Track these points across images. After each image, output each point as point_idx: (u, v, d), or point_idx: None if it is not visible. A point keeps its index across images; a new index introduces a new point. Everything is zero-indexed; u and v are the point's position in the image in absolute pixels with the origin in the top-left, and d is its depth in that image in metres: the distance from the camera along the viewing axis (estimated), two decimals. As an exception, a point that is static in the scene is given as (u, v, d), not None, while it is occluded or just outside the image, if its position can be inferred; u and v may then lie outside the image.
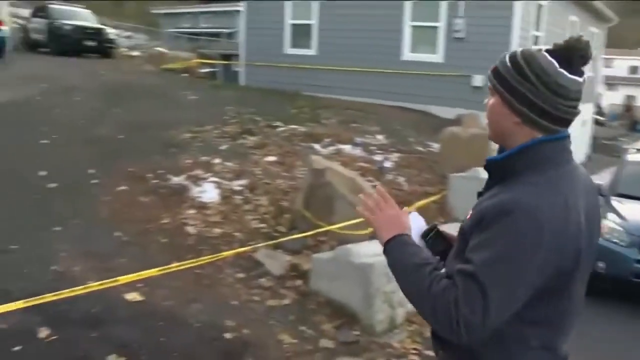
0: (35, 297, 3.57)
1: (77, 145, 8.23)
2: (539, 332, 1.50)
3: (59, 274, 4.73)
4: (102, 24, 20.78)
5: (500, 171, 1.56)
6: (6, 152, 7.60)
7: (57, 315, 4.04)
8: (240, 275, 5.26)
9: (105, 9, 47.61)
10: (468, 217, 1.58)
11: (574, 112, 1.52)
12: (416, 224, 1.76)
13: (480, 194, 1.63)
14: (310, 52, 15.28)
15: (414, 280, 1.50)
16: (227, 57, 25.33)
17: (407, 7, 13.55)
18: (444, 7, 13.03)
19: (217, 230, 6.28)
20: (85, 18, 20.45)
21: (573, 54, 1.48)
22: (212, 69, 23.20)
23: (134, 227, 6.11)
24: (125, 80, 14.17)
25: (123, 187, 6.99)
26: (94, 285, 3.97)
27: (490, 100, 1.60)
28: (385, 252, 1.63)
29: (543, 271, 1.42)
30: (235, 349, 4.00)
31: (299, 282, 4.78)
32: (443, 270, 1.52)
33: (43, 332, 3.82)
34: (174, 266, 4.57)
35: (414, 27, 13.61)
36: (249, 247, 5.57)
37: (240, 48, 17.53)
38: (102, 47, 19.52)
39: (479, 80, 12.16)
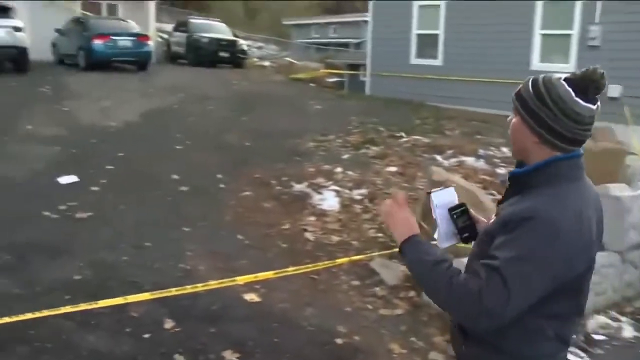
0: (162, 291, 3.86)
1: (208, 151, 8.73)
2: (555, 325, 1.71)
3: (185, 271, 5.05)
4: (235, 36, 21.80)
5: (520, 183, 1.76)
6: (146, 156, 8.24)
7: (181, 309, 4.32)
8: (355, 282, 5.33)
9: (239, 22, 49.91)
10: (491, 222, 1.81)
11: (587, 135, 1.70)
12: (449, 198, 1.93)
13: (499, 203, 1.86)
14: (436, 62, 15.12)
15: (435, 276, 1.68)
16: (354, 67, 25.59)
17: (538, 14, 13.05)
18: (577, 13, 12.42)
19: (335, 238, 6.39)
20: (220, 31, 21.59)
21: (589, 84, 1.64)
22: (339, 79, 23.57)
23: (256, 231, 6.36)
24: (255, 90, 14.81)
25: (248, 192, 7.32)
26: (215, 284, 4.21)
27: (513, 119, 1.77)
28: (401, 252, 1.80)
29: (557, 271, 1.61)
30: (346, 354, 4.07)
31: (412, 293, 4.76)
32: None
33: (168, 324, 4.11)
34: (291, 270, 4.72)
35: (545, 35, 13.05)
36: (365, 255, 5.63)
37: (366, 58, 17.70)
38: (235, 58, 20.53)
39: (615, 90, 11.44)
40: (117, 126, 9.80)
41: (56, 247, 5.32)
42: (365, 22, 38.91)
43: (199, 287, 4.18)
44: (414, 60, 15.71)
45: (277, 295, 4.82)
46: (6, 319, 3.60)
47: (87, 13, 20.77)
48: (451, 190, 1.96)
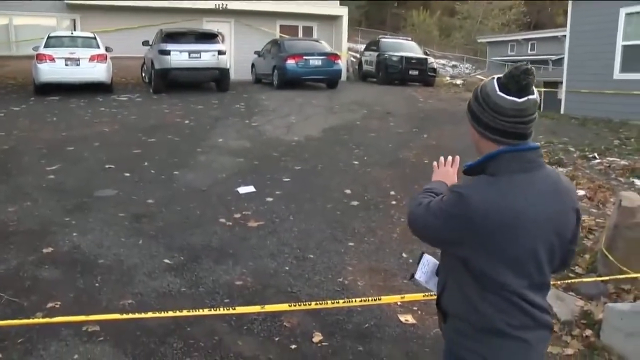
0: (315, 302, 3.80)
1: (382, 167, 8.65)
2: (514, 299, 1.85)
3: (342, 286, 4.96)
4: (426, 54, 21.66)
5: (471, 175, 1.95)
6: (323, 170, 8.39)
7: (333, 324, 4.23)
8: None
9: (434, 41, 49.80)
10: None
11: (522, 127, 1.83)
12: (432, 264, 2.26)
13: None
14: (645, 76, 13.58)
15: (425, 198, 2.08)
16: (551, 84, 24.13)
17: None
18: None
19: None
20: (411, 49, 21.59)
21: (510, 80, 1.82)
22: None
23: (420, 250, 6.10)
24: (440, 107, 14.51)
25: (418, 210, 7.07)
26: (369, 301, 4.06)
27: None
28: (428, 186, 2.21)
29: (450, 236, 1.89)
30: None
31: (588, 332, 4.18)
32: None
33: (317, 337, 4.03)
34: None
35: None
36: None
37: (563, 74, 16.49)
38: (425, 76, 20.37)
39: None
40: (299, 140, 10.14)
41: (225, 252, 5.56)
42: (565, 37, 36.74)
43: (355, 302, 4.08)
44: (618, 74, 14.25)
45: (434, 319, 4.53)
46: (170, 314, 3.82)
47: (284, 35, 22.04)
48: (428, 257, 2.27)
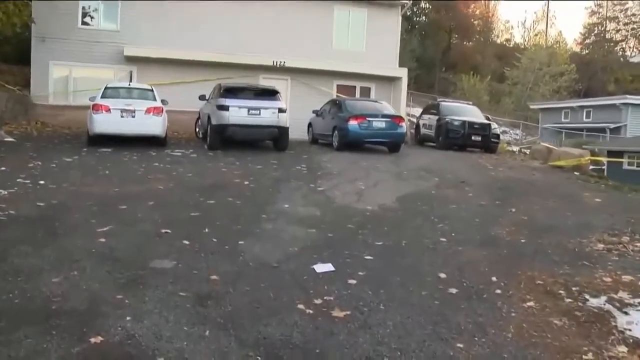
0: None
1: (475, 246, 7.55)
2: None
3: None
4: (487, 119, 20.72)
5: None
6: (408, 248, 7.33)
7: None
8: None
9: (484, 105, 48.93)
10: None
11: None
12: None
13: None
14: None
15: None
16: (614, 153, 22.92)
17: None
18: None
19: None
20: (472, 114, 20.70)
21: None
22: (596, 167, 21.14)
23: (548, 356, 4.94)
24: (514, 177, 13.42)
25: (531, 303, 5.91)
26: None
27: None
28: None
29: None
30: None
31: None
32: None
33: None
34: None
35: None
36: None
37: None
38: (488, 142, 19.36)
39: None
40: (374, 210, 9.12)
41: (310, 352, 4.49)
42: (626, 104, 35.54)
43: None
44: None
45: None
46: None
47: (341, 95, 21.42)
48: None
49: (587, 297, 6.10)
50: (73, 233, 7.15)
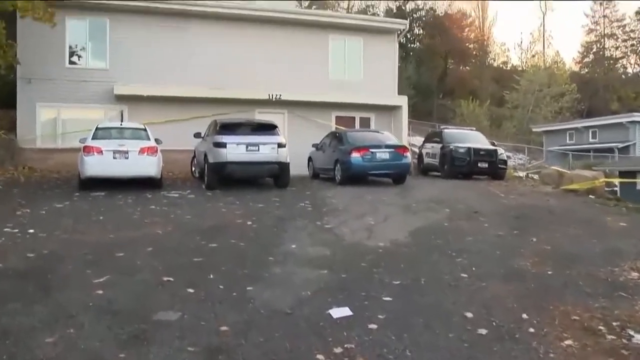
0: None
1: (499, 281, 7.04)
2: None
3: None
4: (493, 145, 20.23)
5: None
6: (428, 286, 6.81)
7: None
8: None
9: (485, 130, 48.62)
10: None
11: None
12: None
13: None
14: None
15: None
16: (626, 173, 22.44)
17: None
18: None
19: None
20: (477, 140, 20.28)
21: None
22: (610, 188, 20.66)
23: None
24: (528, 204, 12.95)
25: (569, 342, 5.39)
26: None
27: None
28: None
29: None
30: None
31: None
32: None
33: None
34: None
35: None
36: None
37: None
38: (495, 169, 18.90)
39: None
40: (386, 246, 8.61)
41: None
42: (633, 122, 35.04)
43: None
44: None
45: None
46: None
47: (340, 127, 21.02)
48: None
49: (631, 332, 5.58)
50: (67, 286, 6.62)
